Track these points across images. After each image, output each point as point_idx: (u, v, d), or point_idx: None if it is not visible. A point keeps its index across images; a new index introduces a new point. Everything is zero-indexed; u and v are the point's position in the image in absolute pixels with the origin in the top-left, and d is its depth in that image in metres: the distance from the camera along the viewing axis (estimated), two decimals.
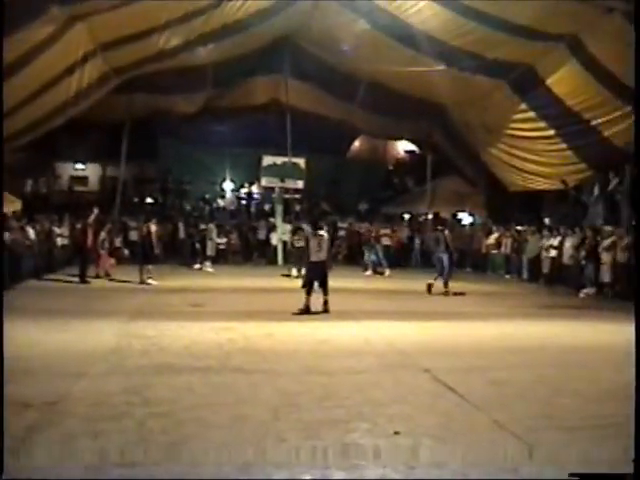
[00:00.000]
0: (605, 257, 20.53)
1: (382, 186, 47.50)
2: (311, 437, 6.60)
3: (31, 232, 21.29)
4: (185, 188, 45.69)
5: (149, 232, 21.60)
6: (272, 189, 33.77)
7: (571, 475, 5.60)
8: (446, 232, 21.57)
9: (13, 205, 24.28)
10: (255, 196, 44.57)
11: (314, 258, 15.57)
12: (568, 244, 22.72)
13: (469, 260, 30.11)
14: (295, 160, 32.04)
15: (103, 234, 23.13)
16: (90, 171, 46.57)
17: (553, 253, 23.57)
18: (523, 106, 26.40)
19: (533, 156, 28.16)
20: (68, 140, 36.93)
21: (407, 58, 25.31)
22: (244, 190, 45.27)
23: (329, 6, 24.23)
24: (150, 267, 21.40)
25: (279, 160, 32.13)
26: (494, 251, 28.00)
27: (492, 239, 28.17)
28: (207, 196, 45.06)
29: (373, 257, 27.76)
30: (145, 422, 6.97)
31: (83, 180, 45.92)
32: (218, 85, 29.98)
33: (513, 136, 28.26)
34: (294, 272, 24.61)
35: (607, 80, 21.96)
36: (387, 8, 23.09)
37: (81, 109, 24.21)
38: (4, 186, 20.10)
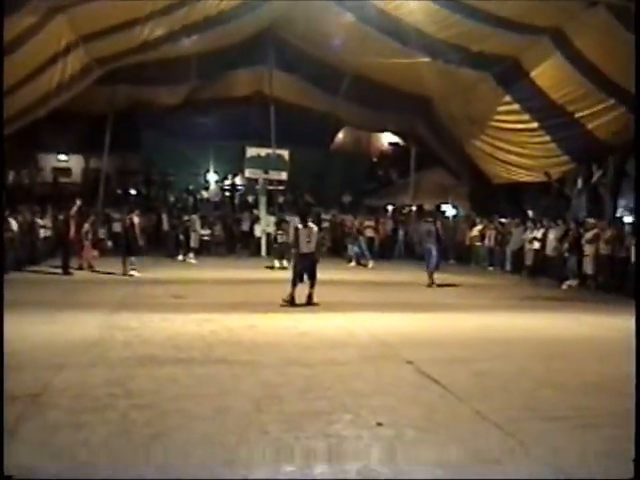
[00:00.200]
0: (588, 249, 20.62)
1: (366, 178, 47.56)
2: (293, 429, 6.60)
3: (13, 224, 21.17)
4: (169, 180, 45.65)
5: (132, 224, 21.55)
6: (256, 180, 33.71)
7: None
8: (438, 223, 21.61)
9: None
10: (239, 187, 44.51)
11: (304, 250, 15.54)
12: (551, 236, 22.80)
13: (453, 252, 30.13)
14: (279, 152, 31.98)
15: (86, 226, 23.04)
16: (73, 162, 46.44)
17: (536, 245, 23.65)
18: (507, 98, 26.46)
19: (517, 148, 28.24)
20: (51, 131, 36.79)
21: (392, 50, 25.29)
22: (228, 182, 45.21)
23: None
24: (133, 259, 21.34)
25: (263, 152, 32.06)
26: (478, 243, 28.04)
27: (476, 231, 28.21)
28: (191, 187, 45.03)
29: (356, 249, 27.76)
30: (128, 414, 6.96)
31: (66, 171, 45.76)
32: (202, 77, 29.88)
33: (497, 128, 28.32)
34: (277, 264, 24.65)
35: (591, 73, 22.06)
36: (372, 0, 23.09)
37: (63, 100, 24.05)
38: None
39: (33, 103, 22.73)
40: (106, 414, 6.94)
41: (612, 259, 20.02)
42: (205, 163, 45.73)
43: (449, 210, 38.09)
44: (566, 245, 21.58)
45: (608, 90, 22.10)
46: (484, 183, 31.98)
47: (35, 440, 6.15)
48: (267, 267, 25.04)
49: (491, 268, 26.85)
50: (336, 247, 32.05)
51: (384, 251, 31.07)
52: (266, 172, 31.95)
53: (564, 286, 21.12)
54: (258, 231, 31.14)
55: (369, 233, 29.82)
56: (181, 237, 27.62)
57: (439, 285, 20.22)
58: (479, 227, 28.20)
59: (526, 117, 26.28)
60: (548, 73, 23.74)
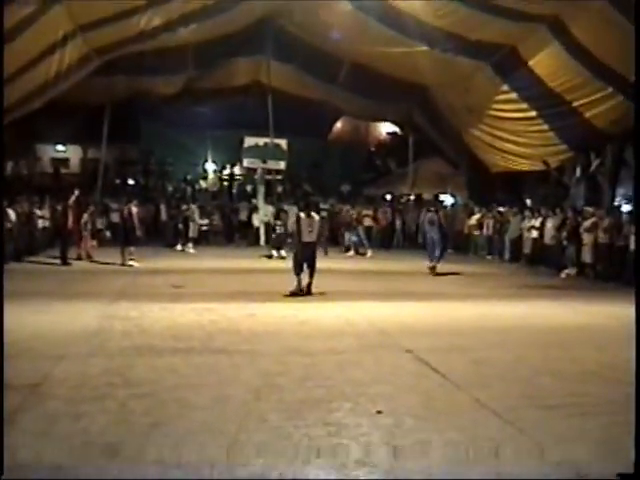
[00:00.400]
0: (586, 238, 20.62)
1: (364, 167, 47.57)
2: (293, 417, 6.62)
3: (12, 214, 21.15)
4: (167, 169, 45.71)
5: (130, 214, 21.53)
6: (254, 170, 33.66)
7: None
8: (440, 213, 21.65)
9: None
10: (237, 177, 44.51)
11: (306, 239, 15.53)
12: (550, 225, 22.79)
13: (451, 241, 30.12)
14: (277, 141, 31.93)
15: (86, 216, 23.03)
16: (71, 153, 46.46)
17: (535, 234, 23.66)
18: (505, 87, 26.41)
19: (515, 137, 28.21)
20: (49, 122, 36.62)
21: (390, 39, 25.22)
22: (226, 171, 45.21)
23: None
24: (132, 249, 21.33)
25: (261, 141, 31.98)
26: (476, 232, 27.98)
27: (474, 220, 28.17)
28: (189, 177, 45.03)
29: (354, 238, 27.76)
30: (127, 403, 6.97)
31: (64, 162, 45.76)
32: (199, 66, 29.83)
33: (495, 117, 28.28)
34: (275, 253, 24.68)
35: (589, 61, 22.03)
36: None
37: (61, 90, 24.01)
38: None
39: (31, 93, 22.69)
40: (105, 404, 6.95)
41: (610, 248, 20.02)
42: (203, 153, 45.76)
43: (447, 199, 38.07)
44: (564, 234, 21.57)
45: (606, 78, 22.07)
46: (482, 172, 31.95)
47: (35, 430, 6.15)
48: (265, 256, 25.03)
49: (489, 257, 26.83)
50: (334, 237, 32.03)
51: (383, 240, 31.05)
52: (264, 162, 31.90)
53: (562, 275, 21.14)
54: (256, 221, 31.10)
55: (368, 222, 29.81)
56: (180, 227, 27.59)
57: (438, 274, 20.24)
58: (477, 216, 28.15)
59: (524, 106, 26.24)
60: (546, 62, 23.70)
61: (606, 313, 14.08)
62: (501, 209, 27.49)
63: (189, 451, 5.71)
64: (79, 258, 22.13)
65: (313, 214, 15.90)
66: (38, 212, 24.01)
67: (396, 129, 42.32)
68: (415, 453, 5.81)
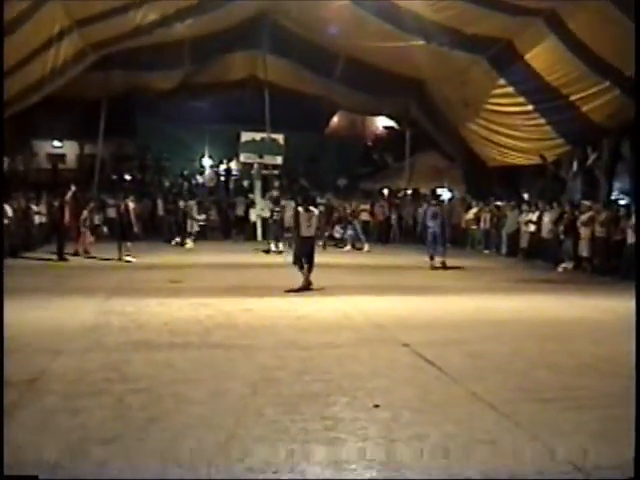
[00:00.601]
0: (583, 232, 20.64)
1: (361, 162, 47.61)
2: (290, 411, 6.62)
3: (8, 210, 21.13)
4: (164, 165, 45.70)
5: (127, 209, 21.54)
6: (251, 165, 33.63)
7: None
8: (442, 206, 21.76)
9: None
10: (234, 172, 44.50)
11: (305, 233, 15.49)
12: (547, 219, 22.82)
13: (448, 235, 30.13)
14: (274, 136, 31.93)
15: (85, 213, 23.07)
16: (67, 149, 46.45)
17: (532, 228, 23.69)
18: (501, 81, 26.41)
19: (511, 131, 28.20)
20: (45, 117, 36.71)
21: (386, 33, 25.21)
22: (223, 166, 45.21)
23: None
24: (129, 244, 21.35)
25: (258, 136, 31.98)
26: (473, 226, 27.99)
27: (471, 214, 28.17)
28: (186, 172, 45.01)
29: (350, 232, 27.76)
30: (124, 398, 6.97)
31: (61, 158, 45.74)
32: (196, 61, 29.81)
33: (491, 111, 28.29)
34: (273, 247, 24.71)
35: (585, 55, 22.02)
36: None
37: (58, 86, 23.97)
38: None
39: (27, 88, 22.66)
40: (103, 399, 6.95)
41: (607, 241, 20.07)
42: (200, 148, 45.80)
43: (444, 193, 38.06)
44: (561, 228, 21.60)
45: (603, 72, 22.07)
46: (479, 166, 31.96)
47: (32, 425, 6.16)
48: (263, 251, 25.05)
49: (486, 251, 26.84)
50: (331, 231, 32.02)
51: (380, 235, 31.06)
52: (261, 157, 31.89)
53: (559, 269, 21.16)
54: (253, 216, 31.09)
55: (364, 217, 29.84)
56: (180, 222, 27.55)
57: (435, 268, 20.28)
58: (474, 210, 28.15)
59: (521, 100, 26.24)
60: (542, 56, 23.70)
61: (603, 307, 14.09)
62: (498, 203, 27.50)
63: (186, 445, 5.71)
64: (76, 254, 22.12)
65: (312, 208, 15.87)
66: (35, 208, 24.00)
67: (393, 123, 42.32)
68: (412, 446, 5.81)
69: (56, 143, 45.94)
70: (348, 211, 28.71)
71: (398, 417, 6.53)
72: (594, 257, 20.62)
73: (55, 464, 5.31)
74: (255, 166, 32.74)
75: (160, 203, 31.79)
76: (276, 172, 34.37)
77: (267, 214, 27.96)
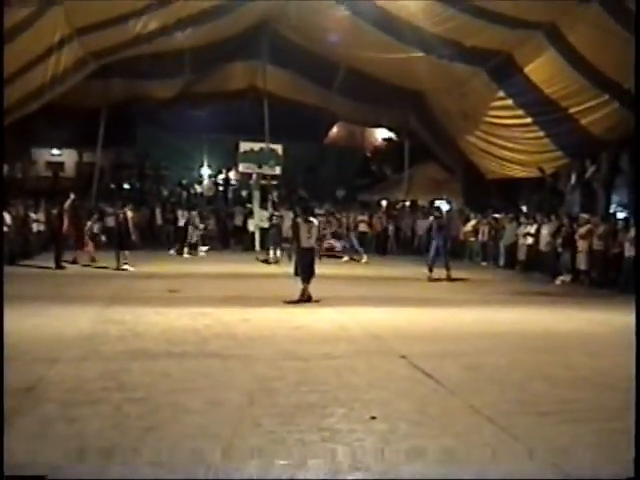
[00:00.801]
0: (581, 245, 20.65)
1: (359, 173, 47.62)
2: (287, 422, 6.62)
3: (7, 217, 21.13)
4: (163, 174, 45.73)
5: (125, 218, 21.54)
6: (249, 175, 33.62)
7: None
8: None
9: None
10: (232, 182, 44.52)
11: (305, 245, 15.46)
12: (545, 231, 22.84)
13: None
14: (273, 146, 31.91)
15: (89, 223, 23.37)
16: (66, 157, 46.45)
17: (530, 240, 23.70)
18: (501, 94, 26.49)
19: (510, 144, 28.27)
20: (45, 125, 36.74)
21: (386, 45, 25.31)
22: (221, 176, 45.24)
23: None
24: (127, 253, 21.35)
25: (256, 146, 31.94)
26: (471, 238, 27.99)
27: (469, 226, 28.18)
28: (184, 182, 45.01)
29: (345, 244, 27.73)
30: (121, 407, 6.97)
31: (59, 166, 45.76)
32: (196, 71, 29.85)
33: (490, 123, 28.35)
34: (271, 254, 24.72)
35: (584, 68, 22.10)
36: None
37: (58, 94, 24.03)
38: None
39: (27, 96, 22.71)
40: (100, 407, 6.95)
41: (605, 255, 20.08)
42: (199, 157, 45.84)
43: (443, 205, 38.07)
44: (559, 240, 21.61)
45: (602, 85, 22.14)
46: (478, 178, 32.02)
47: (30, 433, 6.16)
48: (262, 261, 25.07)
49: (484, 263, 26.83)
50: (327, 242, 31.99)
51: (378, 246, 31.06)
52: (260, 167, 31.86)
53: (557, 281, 21.16)
54: (251, 226, 31.08)
55: (363, 228, 29.85)
56: (189, 231, 27.50)
57: (433, 280, 20.28)
58: (473, 222, 28.16)
59: (520, 112, 26.30)
60: (542, 68, 23.77)
61: (600, 320, 14.10)
62: (496, 215, 27.49)
63: (184, 455, 5.72)
64: (74, 262, 22.12)
65: (311, 219, 15.82)
66: (33, 216, 24.01)
67: (392, 135, 42.37)
68: (409, 459, 5.81)
69: (55, 151, 45.96)
70: (344, 222, 28.68)
71: (395, 429, 6.53)
72: (592, 270, 20.62)
73: (53, 471, 5.30)
74: (254, 176, 32.72)
75: (158, 212, 31.82)
76: (275, 182, 34.38)
77: (266, 224, 27.95)
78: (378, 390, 7.95)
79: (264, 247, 27.72)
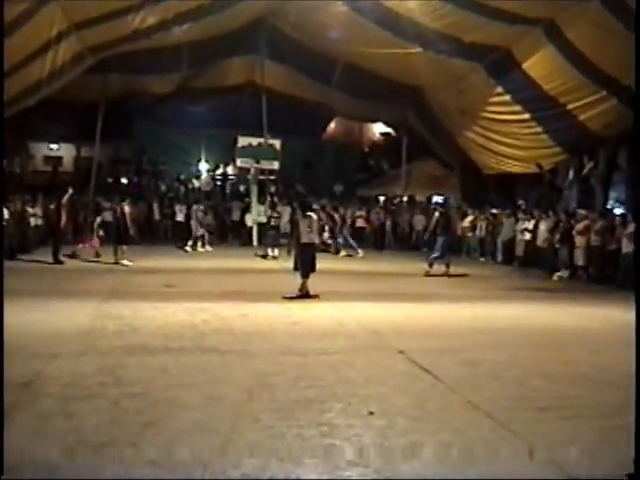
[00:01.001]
0: (579, 240, 20.67)
1: (357, 168, 47.53)
2: (285, 417, 6.63)
3: (4, 212, 21.10)
4: (160, 169, 45.60)
5: (123, 213, 21.54)
6: (247, 170, 33.56)
7: None
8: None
9: None
10: (230, 177, 44.47)
11: (305, 240, 15.38)
12: (542, 227, 22.85)
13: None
14: (271, 141, 31.86)
15: (99, 219, 23.77)
16: (64, 151, 46.33)
17: (527, 236, 23.71)
18: (499, 89, 26.43)
19: (508, 139, 28.23)
20: (42, 120, 36.64)
21: (384, 40, 25.22)
22: (219, 171, 45.17)
23: None
24: (124, 248, 21.33)
25: (254, 141, 31.88)
26: (469, 234, 27.97)
27: (467, 222, 28.16)
28: (182, 176, 44.93)
29: (340, 240, 27.68)
30: (119, 402, 6.97)
31: (57, 160, 45.68)
32: (194, 65, 29.76)
33: (488, 119, 28.31)
34: (269, 252, 24.68)
35: (583, 65, 22.07)
36: None
37: (55, 88, 23.92)
38: None
39: (25, 91, 22.58)
40: (97, 402, 6.95)
41: (603, 250, 20.11)
42: (197, 152, 45.66)
43: (440, 200, 38.04)
44: (557, 236, 21.61)
45: (600, 82, 22.12)
46: (475, 174, 31.98)
47: (28, 428, 6.16)
48: (260, 256, 25.05)
49: (482, 259, 26.83)
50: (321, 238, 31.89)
51: (375, 241, 31.06)
52: (257, 162, 31.79)
53: (555, 277, 21.18)
54: (249, 221, 31.04)
55: (360, 223, 29.83)
56: (193, 227, 27.43)
57: (431, 275, 20.28)
58: (470, 218, 28.14)
59: (518, 108, 26.27)
60: (540, 64, 23.73)
61: (598, 316, 14.11)
62: (494, 211, 27.49)
63: (182, 450, 5.71)
64: (72, 256, 22.10)
65: (311, 214, 15.75)
66: (30, 210, 23.99)
67: (390, 130, 42.30)
68: (407, 454, 5.81)
69: (53, 146, 45.86)
70: (337, 218, 28.57)
71: (393, 424, 6.53)
72: (589, 266, 20.65)
73: (52, 468, 5.30)
74: (252, 171, 32.65)
75: (156, 207, 31.81)
76: (272, 177, 34.33)
77: (264, 219, 27.92)
78: (376, 385, 7.95)
79: (262, 242, 27.67)
